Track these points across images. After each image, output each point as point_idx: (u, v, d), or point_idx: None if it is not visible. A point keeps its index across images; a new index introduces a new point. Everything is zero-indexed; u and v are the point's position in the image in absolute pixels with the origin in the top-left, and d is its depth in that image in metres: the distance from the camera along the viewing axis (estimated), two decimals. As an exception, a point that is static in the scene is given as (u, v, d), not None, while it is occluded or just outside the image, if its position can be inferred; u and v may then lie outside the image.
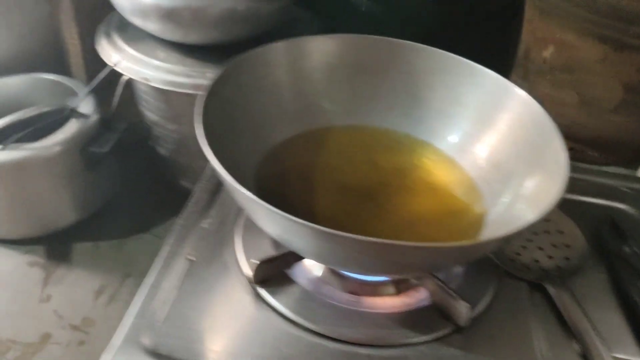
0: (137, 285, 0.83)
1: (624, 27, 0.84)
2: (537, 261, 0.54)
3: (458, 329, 0.45)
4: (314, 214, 0.45)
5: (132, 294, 0.81)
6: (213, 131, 0.43)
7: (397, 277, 0.46)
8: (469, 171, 0.52)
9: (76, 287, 0.81)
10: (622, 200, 0.64)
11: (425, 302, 0.47)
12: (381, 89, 0.57)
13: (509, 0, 1.01)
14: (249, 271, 0.46)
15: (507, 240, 0.39)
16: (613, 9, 0.84)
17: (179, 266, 0.46)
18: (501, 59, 1.12)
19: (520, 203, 0.46)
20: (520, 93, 0.51)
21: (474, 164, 0.52)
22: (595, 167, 0.80)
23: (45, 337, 0.75)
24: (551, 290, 0.50)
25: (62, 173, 0.83)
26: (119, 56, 0.81)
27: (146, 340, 0.40)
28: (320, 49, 0.56)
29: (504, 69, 1.11)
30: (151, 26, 0.78)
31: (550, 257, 0.54)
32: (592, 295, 0.50)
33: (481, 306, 0.46)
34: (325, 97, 0.56)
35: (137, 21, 0.78)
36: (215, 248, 0.49)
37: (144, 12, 0.76)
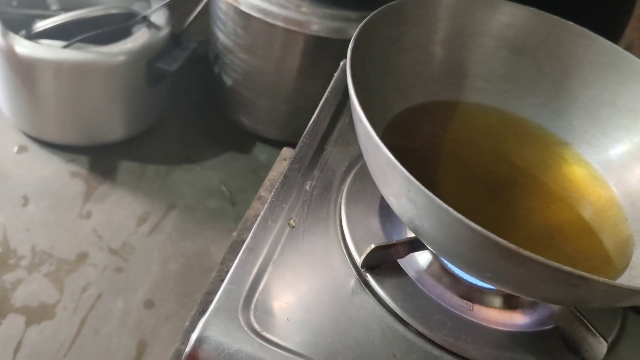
0: (181, 219, 0.78)
1: None
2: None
3: (584, 364, 0.39)
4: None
5: (176, 228, 0.76)
6: (364, 63, 0.36)
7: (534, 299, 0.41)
8: (613, 187, 0.46)
9: (118, 208, 0.76)
10: None
11: (548, 325, 0.41)
12: (524, 70, 0.50)
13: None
14: (355, 252, 0.41)
15: None
16: None
17: (279, 230, 0.41)
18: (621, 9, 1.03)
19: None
20: None
21: (621, 183, 0.45)
22: None
23: (82, 256, 0.70)
24: None
25: (122, 84, 0.76)
26: (207, -30, 0.73)
27: (239, 312, 0.35)
28: (474, 12, 0.48)
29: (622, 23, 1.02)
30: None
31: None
32: None
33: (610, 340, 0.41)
34: (462, 67, 0.49)
35: None
36: (319, 217, 0.43)
37: None
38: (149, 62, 0.75)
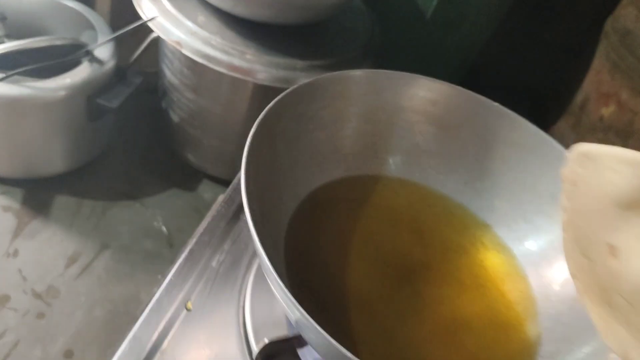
0: (114, 260, 0.76)
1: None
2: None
3: None
4: (346, 290, 0.38)
5: (107, 270, 0.74)
6: (255, 172, 0.35)
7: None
8: (529, 278, 0.45)
9: (48, 247, 0.74)
10: None
11: None
12: (448, 147, 0.49)
13: (577, 37, 0.95)
14: (253, 342, 0.39)
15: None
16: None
17: (174, 314, 0.39)
18: (553, 97, 1.06)
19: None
20: None
21: (538, 275, 0.44)
22: None
23: (3, 299, 0.68)
24: None
25: (61, 119, 0.74)
26: (154, 8, 0.71)
27: None
28: (398, 88, 0.47)
29: (553, 110, 1.04)
30: (198, -15, 0.68)
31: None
32: None
33: None
34: (385, 141, 0.48)
35: (184, -25, 0.68)
36: (221, 299, 0.41)
37: (194, -31, 0.66)
38: (90, 97, 0.74)
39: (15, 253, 0.71)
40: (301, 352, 0.40)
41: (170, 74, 0.79)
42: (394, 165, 0.48)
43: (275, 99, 0.39)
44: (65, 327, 0.66)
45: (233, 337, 0.39)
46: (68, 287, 0.70)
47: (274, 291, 0.31)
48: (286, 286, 0.30)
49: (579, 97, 0.99)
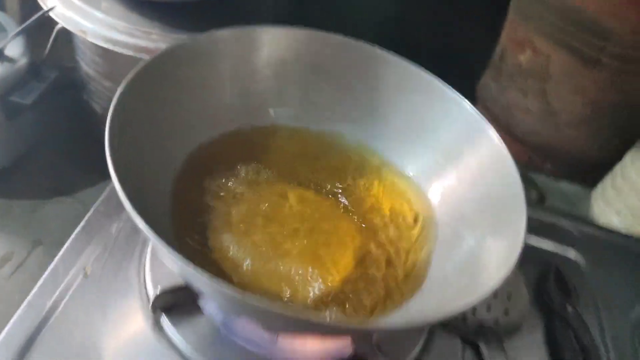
0: (47, 255, 0.76)
1: (599, 44, 0.79)
2: (474, 310, 0.50)
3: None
4: (231, 238, 0.39)
5: (40, 266, 0.74)
6: (129, 130, 0.36)
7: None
8: (416, 204, 0.47)
9: (-22, 250, 0.73)
10: (572, 245, 0.60)
11: (348, 350, 0.42)
12: (338, 97, 0.51)
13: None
14: (153, 294, 0.40)
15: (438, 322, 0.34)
16: (592, 24, 0.78)
17: (70, 279, 0.40)
18: (477, 55, 1.09)
19: (467, 261, 0.41)
20: (493, 136, 0.46)
21: (425, 200, 0.47)
22: (546, 207, 0.77)
23: None
24: (485, 351, 0.46)
25: (-24, 120, 0.73)
26: (57, 0, 0.71)
27: None
28: (272, 42, 0.49)
29: (478, 67, 1.07)
30: (95, -30, 0.68)
31: (488, 309, 0.50)
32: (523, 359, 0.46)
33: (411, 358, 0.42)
34: (272, 98, 0.49)
35: (79, -38, 0.68)
36: (120, 261, 0.42)
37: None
38: (3, 96, 0.73)
39: (-56, 259, 0.71)
40: (201, 301, 0.41)
41: (85, 65, 0.79)
42: (287, 118, 0.49)
43: (143, 63, 0.39)
44: (1, 327, 0.66)
45: (134, 295, 0.40)
46: (2, 286, 0.70)
47: (153, 244, 0.32)
48: (161, 237, 0.31)
49: (498, 49, 1.02)
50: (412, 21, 1.04)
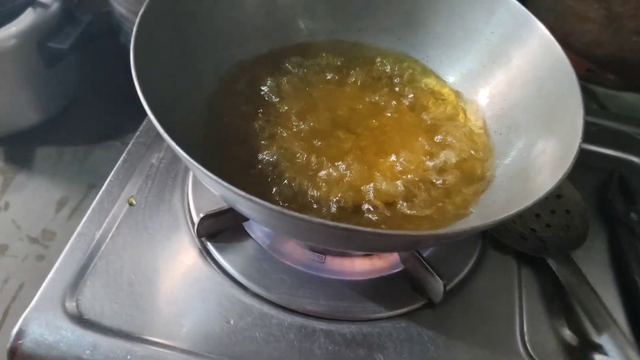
0: (103, 197, 0.77)
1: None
2: (533, 230, 0.47)
3: (430, 304, 0.39)
4: (277, 153, 0.38)
5: (96, 208, 0.76)
6: (156, 55, 0.35)
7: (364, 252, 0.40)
8: (470, 113, 0.44)
9: (37, 196, 0.76)
10: (635, 151, 0.55)
11: (397, 268, 0.41)
12: (373, 6, 0.47)
13: None
14: (197, 220, 0.40)
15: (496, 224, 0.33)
16: None
17: (116, 210, 0.40)
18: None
19: (521, 165, 0.38)
20: (543, 31, 0.42)
21: (475, 107, 0.44)
22: (606, 112, 0.71)
23: (2, 249, 0.71)
24: (553, 265, 0.44)
25: (18, 69, 0.75)
26: (78, -64, 0.69)
27: (63, 301, 0.35)
28: None
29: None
30: None
31: (548, 226, 0.48)
32: (589, 270, 0.44)
33: (460, 279, 0.40)
34: (302, 11, 0.47)
35: None
36: (163, 190, 0.42)
37: None
38: (40, 42, 0.74)
39: (6, 206, 0.74)
40: (246, 224, 0.41)
41: (118, 5, 0.78)
42: (323, 33, 0.46)
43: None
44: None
45: (179, 222, 0.40)
46: (62, 228, 0.73)
47: (193, 170, 0.31)
48: (197, 161, 0.30)
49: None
50: None
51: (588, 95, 0.88)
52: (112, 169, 0.81)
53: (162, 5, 0.37)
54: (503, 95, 0.43)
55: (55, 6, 0.75)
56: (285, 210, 0.29)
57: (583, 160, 0.46)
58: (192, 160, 0.30)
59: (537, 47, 0.41)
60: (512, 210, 0.30)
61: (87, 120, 0.85)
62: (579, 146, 0.34)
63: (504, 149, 0.41)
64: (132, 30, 0.80)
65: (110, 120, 0.86)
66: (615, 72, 0.93)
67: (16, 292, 0.67)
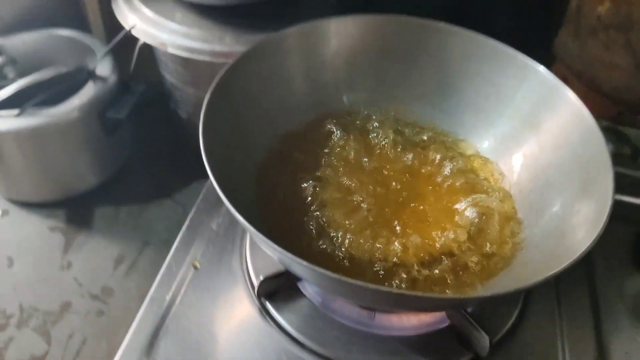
0: (157, 254, 0.82)
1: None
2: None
3: (477, 358, 0.41)
4: (324, 217, 0.41)
5: (152, 264, 0.81)
6: (217, 131, 0.39)
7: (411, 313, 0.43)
8: (502, 178, 0.47)
9: (96, 254, 0.81)
10: None
11: (444, 323, 0.43)
12: (408, 76, 0.52)
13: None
14: (256, 283, 0.44)
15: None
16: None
17: (183, 274, 0.44)
18: (549, 11, 1.04)
19: (556, 225, 0.41)
20: (572, 98, 0.45)
21: (509, 170, 0.47)
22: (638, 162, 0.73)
23: (66, 306, 0.76)
24: None
25: (80, 138, 0.81)
26: (135, 17, 0.77)
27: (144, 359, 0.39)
28: (340, 33, 0.50)
29: (552, 23, 1.02)
30: (167, -14, 0.73)
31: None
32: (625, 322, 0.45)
33: (504, 332, 0.42)
34: (344, 85, 0.51)
35: (153, -20, 0.73)
36: (223, 254, 0.46)
37: (160, -28, 0.71)
38: (100, 113, 0.80)
39: (69, 265, 0.79)
40: (300, 284, 0.44)
41: (169, 75, 0.84)
42: (361, 104, 0.51)
43: (227, 65, 0.43)
44: (124, 319, 0.73)
45: (239, 283, 0.44)
46: (120, 285, 0.78)
47: (252, 236, 0.35)
48: (257, 228, 0.34)
49: (573, 3, 0.98)
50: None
51: (620, 137, 0.89)
52: (164, 225, 0.86)
53: (222, 90, 0.42)
54: (536, 157, 0.46)
55: (112, 79, 0.82)
56: (337, 275, 0.32)
57: (618, 211, 0.48)
58: (256, 231, 0.33)
59: (567, 113, 0.44)
60: (551, 272, 0.33)
61: (140, 180, 0.91)
62: (612, 205, 0.37)
63: (539, 208, 0.44)
64: (181, 97, 0.86)
65: (162, 179, 0.92)
66: (648, 115, 0.94)
67: (80, 346, 0.72)
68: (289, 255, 0.32)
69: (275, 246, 0.32)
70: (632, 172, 0.60)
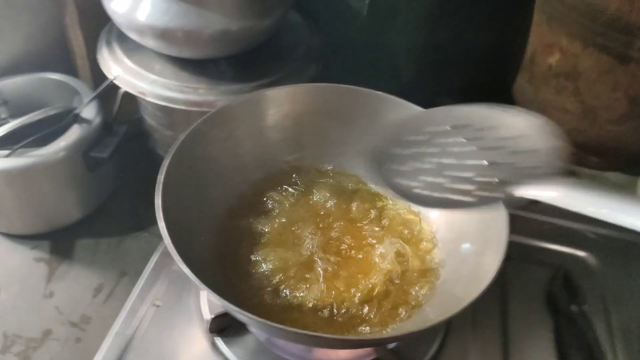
0: (132, 283, 0.88)
1: (628, 40, 0.81)
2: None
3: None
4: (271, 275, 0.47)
5: (127, 292, 0.87)
6: (176, 190, 0.46)
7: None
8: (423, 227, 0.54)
9: (77, 284, 0.87)
10: (585, 248, 0.64)
11: (372, 356, 0.50)
12: (350, 135, 0.59)
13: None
14: (208, 318, 0.50)
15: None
16: (617, 21, 0.80)
17: (145, 311, 0.50)
18: (507, 59, 1.11)
19: (469, 269, 0.48)
20: None
21: (429, 221, 0.54)
22: (557, 210, 0.80)
23: (47, 333, 0.81)
24: None
25: (65, 176, 0.87)
26: (118, 68, 0.84)
27: None
28: (290, 100, 0.58)
29: (510, 70, 1.10)
30: (147, 42, 0.80)
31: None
32: (533, 357, 0.52)
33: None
34: (297, 142, 0.58)
35: (134, 36, 0.81)
36: (182, 293, 0.53)
37: (140, 30, 0.78)
38: (85, 152, 0.87)
39: (51, 294, 0.86)
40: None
41: (148, 117, 0.91)
42: (309, 159, 0.58)
43: (187, 130, 0.50)
44: (98, 345, 0.79)
45: (195, 321, 0.50)
46: (97, 313, 0.84)
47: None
48: (202, 280, 0.40)
49: (528, 52, 1.05)
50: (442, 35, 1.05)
51: (573, 177, 0.96)
52: (140, 256, 0.92)
53: (183, 152, 0.49)
54: (452, 216, 0.52)
55: (97, 121, 0.89)
56: (279, 325, 0.39)
57: (534, 256, 0.54)
58: (204, 286, 0.40)
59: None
60: (462, 305, 0.39)
61: (120, 214, 0.98)
62: (502, 261, 0.44)
63: (450, 249, 0.50)
64: (159, 137, 0.93)
65: (140, 213, 0.98)
66: (597, 155, 1.01)
67: (58, 372, 0.77)
68: (225, 302, 0.39)
69: (214, 294, 0.39)
70: (552, 219, 0.67)
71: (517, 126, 0.45)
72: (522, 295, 0.54)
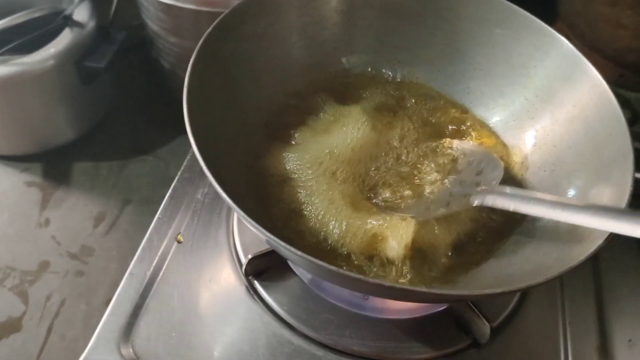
0: (138, 213, 0.79)
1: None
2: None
3: (475, 343, 0.40)
4: (319, 197, 0.38)
5: (133, 223, 0.78)
6: (203, 97, 0.35)
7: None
8: (512, 154, 0.44)
9: (75, 212, 0.78)
10: None
11: (442, 306, 0.41)
12: (414, 38, 0.47)
13: None
14: (244, 260, 0.41)
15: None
16: None
17: (165, 248, 0.41)
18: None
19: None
20: (592, 71, 0.41)
21: (519, 148, 0.43)
22: None
23: (44, 265, 0.73)
24: None
25: (56, 88, 0.76)
26: (114, -43, 0.70)
27: (118, 344, 0.36)
28: None
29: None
30: None
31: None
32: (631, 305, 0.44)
33: (504, 316, 0.40)
34: (346, 44, 0.47)
35: None
36: (209, 227, 0.43)
37: None
38: (77, 62, 0.75)
39: (46, 222, 0.76)
40: (291, 262, 0.41)
41: (151, 22, 0.79)
42: (361, 65, 0.47)
43: (215, 22, 0.38)
44: (103, 280, 0.71)
45: (225, 259, 0.41)
46: (100, 244, 0.75)
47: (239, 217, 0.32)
48: (246, 211, 0.31)
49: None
50: None
51: (620, 101, 0.87)
52: (146, 182, 0.83)
53: (210, 49, 0.37)
54: (547, 131, 0.42)
55: (90, 25, 0.76)
56: (335, 268, 0.29)
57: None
58: (244, 214, 0.30)
59: (585, 88, 0.41)
60: (566, 267, 0.30)
61: (120, 134, 0.87)
62: (631, 192, 0.34)
63: (548, 188, 0.41)
64: (163, 46, 0.81)
65: (143, 133, 0.88)
66: (650, 78, 0.91)
67: (58, 308, 0.69)
68: (282, 243, 0.29)
69: (269, 234, 0.29)
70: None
71: (476, 152, 0.43)
72: (614, 238, 0.45)
